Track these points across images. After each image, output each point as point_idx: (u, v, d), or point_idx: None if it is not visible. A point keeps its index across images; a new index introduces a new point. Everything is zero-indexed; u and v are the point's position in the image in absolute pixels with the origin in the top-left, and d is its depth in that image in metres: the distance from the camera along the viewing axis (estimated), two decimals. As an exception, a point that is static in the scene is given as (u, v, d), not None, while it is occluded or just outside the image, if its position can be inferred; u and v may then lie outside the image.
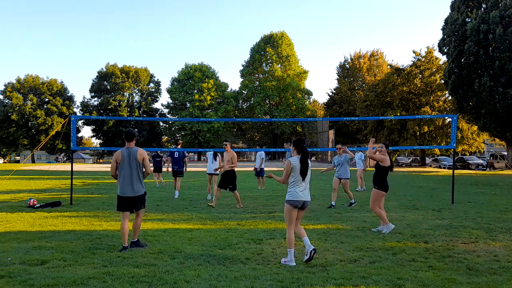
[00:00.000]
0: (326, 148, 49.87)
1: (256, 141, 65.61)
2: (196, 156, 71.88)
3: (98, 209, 10.09)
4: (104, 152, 71.74)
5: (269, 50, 63.09)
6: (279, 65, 64.24)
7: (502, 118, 29.14)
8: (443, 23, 32.77)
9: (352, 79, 59.18)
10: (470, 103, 30.37)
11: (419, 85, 41.56)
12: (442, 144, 38.69)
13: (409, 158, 54.05)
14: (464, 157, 41.86)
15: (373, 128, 42.98)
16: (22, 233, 7.04)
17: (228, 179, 10.43)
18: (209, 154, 12.58)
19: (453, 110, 35.48)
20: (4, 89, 65.09)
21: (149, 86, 71.44)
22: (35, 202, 10.51)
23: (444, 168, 39.57)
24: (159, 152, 17.84)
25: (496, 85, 28.19)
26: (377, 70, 57.78)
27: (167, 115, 70.03)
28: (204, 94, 63.69)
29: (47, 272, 4.78)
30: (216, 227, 7.72)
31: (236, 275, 4.70)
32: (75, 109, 68.94)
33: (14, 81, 65.94)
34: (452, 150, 12.22)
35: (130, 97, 70.36)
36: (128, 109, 68.30)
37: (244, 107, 68.01)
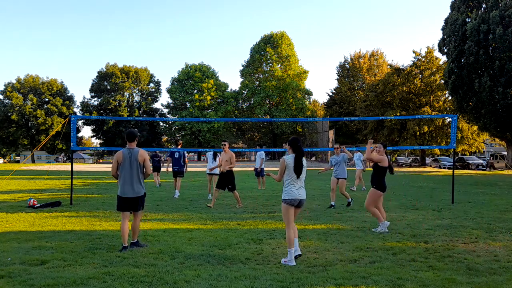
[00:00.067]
0: (326, 148, 49.88)
1: (256, 141, 65.60)
2: (196, 156, 71.88)
3: (98, 209, 10.09)
4: (104, 152, 71.75)
5: (269, 50, 63.10)
6: (279, 65, 64.24)
7: (502, 118, 29.14)
8: (443, 23, 32.79)
9: (352, 79, 59.19)
10: (470, 103, 30.38)
11: (419, 85, 41.56)
12: (442, 144, 38.70)
13: (409, 158, 54.03)
14: (464, 157, 41.86)
15: (373, 128, 42.98)
16: (22, 233, 7.04)
17: (226, 180, 10.38)
18: (209, 154, 12.57)
19: (453, 110, 35.48)
20: (4, 89, 65.11)
21: (149, 86, 71.45)
22: (35, 202, 10.50)
23: (444, 168, 39.56)
24: (157, 152, 17.81)
25: (496, 85, 28.19)
26: (377, 70, 57.79)
27: (167, 115, 70.05)
28: (204, 94, 63.70)
29: (47, 272, 4.78)
30: (216, 227, 7.72)
31: (236, 275, 4.70)
32: (75, 109, 68.98)
33: (14, 81, 65.96)
34: (452, 150, 12.22)
35: (130, 97, 70.37)
36: (128, 109, 68.31)
37: (244, 107, 68.02)
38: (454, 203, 11.28)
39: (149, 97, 71.07)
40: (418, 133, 39.13)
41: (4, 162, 64.12)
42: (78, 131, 66.00)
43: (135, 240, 6.11)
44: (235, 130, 67.44)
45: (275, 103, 65.38)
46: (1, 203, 11.15)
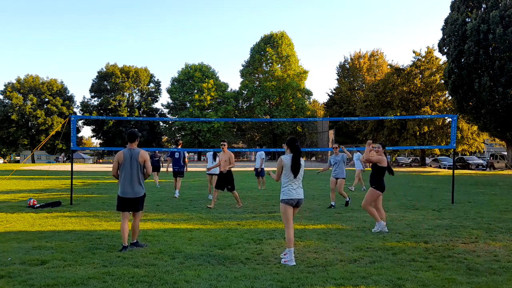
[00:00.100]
0: (326, 148, 49.87)
1: (256, 141, 65.60)
2: (196, 156, 71.90)
3: (98, 209, 10.09)
4: (104, 152, 71.76)
5: (269, 50, 63.10)
6: (279, 65, 64.24)
7: (502, 118, 29.14)
8: (443, 23, 32.79)
9: (352, 79, 59.18)
10: (470, 103, 30.38)
11: (419, 85, 41.56)
12: (442, 144, 38.70)
13: (409, 158, 54.04)
14: (464, 157, 41.86)
15: (373, 128, 42.97)
16: (22, 233, 7.04)
17: (225, 180, 10.34)
18: (209, 154, 12.56)
19: (453, 110, 35.48)
20: (4, 89, 65.11)
21: (149, 86, 71.46)
22: (35, 202, 10.50)
23: (444, 168, 39.56)
24: (156, 152, 17.79)
25: (496, 85, 28.19)
26: (377, 70, 57.79)
27: (167, 115, 70.06)
28: (204, 94, 63.70)
29: (47, 272, 4.78)
30: (216, 227, 7.72)
31: (236, 275, 4.70)
32: (75, 109, 68.99)
33: (14, 81, 65.98)
34: (452, 150, 12.22)
35: (130, 97, 70.39)
36: (128, 109, 68.32)
37: (244, 107, 68.02)
38: (454, 203, 11.28)
39: (149, 97, 71.08)
40: (418, 133, 39.13)
41: (4, 162, 64.13)
42: (78, 131, 66.02)
43: (135, 241, 6.13)
44: (235, 130, 67.44)
45: (275, 103, 65.38)
46: (1, 203, 11.15)
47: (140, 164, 6.01)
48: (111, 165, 5.83)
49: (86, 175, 25.82)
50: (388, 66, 47.89)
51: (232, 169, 10.56)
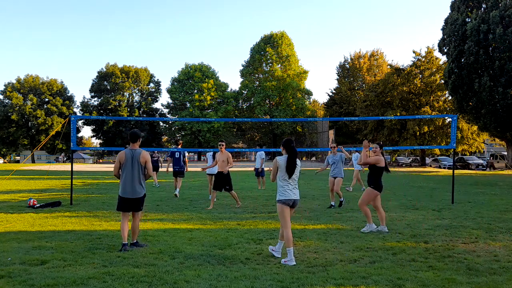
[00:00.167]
0: (326, 148, 49.88)
1: (256, 141, 65.62)
2: (196, 156, 71.91)
3: (98, 209, 10.08)
4: (104, 152, 71.77)
5: (269, 50, 63.10)
6: (279, 65, 64.24)
7: (502, 118, 29.14)
8: (443, 23, 32.79)
9: (352, 79, 59.19)
10: (470, 103, 30.38)
11: (419, 85, 41.56)
12: (442, 144, 38.70)
13: (409, 158, 54.03)
14: (464, 157, 41.85)
15: (373, 128, 42.96)
16: (22, 233, 7.04)
17: (223, 180, 10.28)
18: (209, 154, 12.55)
19: (453, 110, 35.48)
20: (4, 89, 65.13)
21: (149, 86, 71.48)
22: (35, 202, 10.50)
23: (444, 168, 39.56)
24: (155, 152, 17.79)
25: (496, 85, 28.19)
26: (377, 70, 57.80)
27: (167, 115, 70.08)
28: (204, 94, 63.71)
29: (47, 272, 4.78)
30: (216, 227, 7.72)
31: (236, 275, 4.70)
32: (75, 109, 69.02)
33: (14, 81, 66.00)
34: (452, 150, 12.22)
35: (130, 97, 70.40)
36: (128, 109, 68.33)
37: (244, 107, 68.03)
38: (454, 203, 11.28)
39: (149, 97, 71.09)
40: (418, 133, 39.13)
41: (4, 162, 64.13)
42: (78, 131, 66.01)
43: (135, 241, 6.13)
44: (235, 130, 67.44)
45: (275, 103, 65.38)
46: (1, 203, 11.15)
47: (141, 164, 6.02)
48: (111, 165, 5.81)
49: (86, 175, 25.81)
50: (388, 66, 47.90)
51: (232, 169, 10.52)
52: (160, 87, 72.72)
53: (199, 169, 13.33)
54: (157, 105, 72.68)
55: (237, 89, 67.24)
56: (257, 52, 64.13)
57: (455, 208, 10.50)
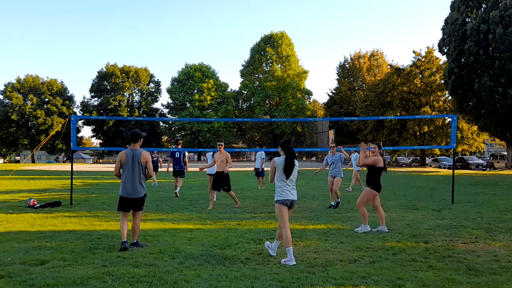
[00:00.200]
0: (326, 148, 49.89)
1: (256, 141, 65.61)
2: (196, 156, 71.93)
3: (98, 209, 10.07)
4: (104, 152, 71.78)
5: (269, 50, 63.09)
6: (279, 65, 64.24)
7: (502, 118, 29.14)
8: (443, 23, 32.79)
9: (352, 79, 59.19)
10: (470, 103, 30.38)
11: (419, 85, 41.57)
12: (442, 144, 38.70)
13: (409, 158, 54.04)
14: (464, 157, 41.85)
15: (373, 128, 42.96)
16: (22, 233, 7.04)
17: (221, 181, 10.26)
18: (209, 154, 12.54)
19: (453, 110, 35.48)
20: (4, 89, 65.14)
21: (149, 86, 71.49)
22: (35, 202, 10.50)
23: (444, 168, 39.56)
24: (155, 152, 17.78)
25: (496, 85, 28.19)
26: (377, 70, 57.80)
27: (167, 115, 70.08)
28: (204, 94, 63.71)
29: (47, 272, 4.78)
30: (216, 227, 7.72)
31: (236, 275, 4.70)
32: (75, 109, 69.03)
33: (14, 81, 66.02)
34: (452, 150, 12.22)
35: (130, 97, 70.41)
36: (128, 109, 68.33)
37: (244, 107, 68.03)
38: (454, 203, 11.28)
39: (149, 97, 71.10)
40: (418, 133, 39.13)
41: (4, 162, 64.13)
42: (78, 131, 66.02)
43: (135, 241, 6.13)
44: (235, 130, 67.44)
45: (275, 103, 65.37)
46: (1, 203, 11.15)
47: (141, 164, 6.03)
48: (111, 165, 5.81)
49: (86, 175, 25.81)
50: (388, 66, 47.91)
51: (232, 169, 10.52)
52: (160, 87, 72.78)
53: (198, 169, 13.29)
54: (157, 105, 72.82)
55: (237, 89, 67.25)
56: (257, 52, 64.13)
57: (455, 208, 10.49)
